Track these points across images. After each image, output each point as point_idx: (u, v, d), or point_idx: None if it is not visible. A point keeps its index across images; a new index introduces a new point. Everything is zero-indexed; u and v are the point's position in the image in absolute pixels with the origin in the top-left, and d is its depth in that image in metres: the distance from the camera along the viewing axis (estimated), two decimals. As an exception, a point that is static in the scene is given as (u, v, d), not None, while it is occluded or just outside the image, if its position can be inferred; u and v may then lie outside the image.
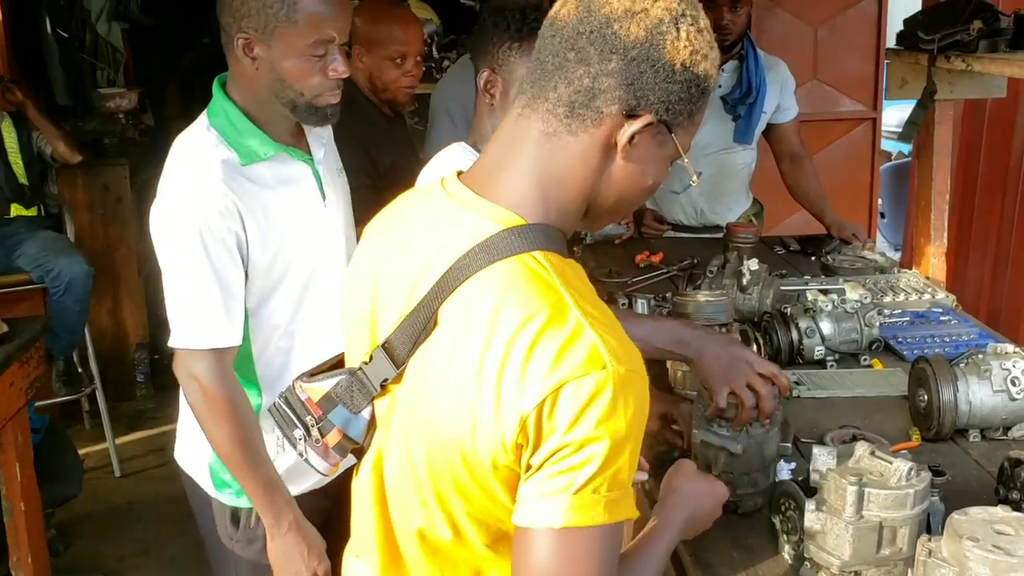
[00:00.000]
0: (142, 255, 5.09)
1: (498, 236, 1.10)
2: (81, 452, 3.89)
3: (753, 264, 2.49)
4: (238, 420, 1.79)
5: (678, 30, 1.09)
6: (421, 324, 1.13)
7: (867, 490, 1.39)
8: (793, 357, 2.25)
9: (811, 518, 1.43)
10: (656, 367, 1.66)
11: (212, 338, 1.78)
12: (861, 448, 1.47)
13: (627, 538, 1.27)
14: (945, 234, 3.21)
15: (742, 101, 3.37)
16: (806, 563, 1.47)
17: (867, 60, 5.20)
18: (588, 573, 1.06)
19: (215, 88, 1.87)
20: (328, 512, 1.98)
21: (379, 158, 2.70)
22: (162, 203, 1.80)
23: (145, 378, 4.94)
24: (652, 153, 1.14)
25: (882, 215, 5.91)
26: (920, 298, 2.68)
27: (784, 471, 1.74)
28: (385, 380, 1.20)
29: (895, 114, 6.10)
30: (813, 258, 3.13)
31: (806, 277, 2.75)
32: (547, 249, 1.11)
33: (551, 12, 1.15)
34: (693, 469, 1.43)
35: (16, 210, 4.19)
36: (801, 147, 3.53)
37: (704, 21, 1.13)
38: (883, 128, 5.52)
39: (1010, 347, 1.94)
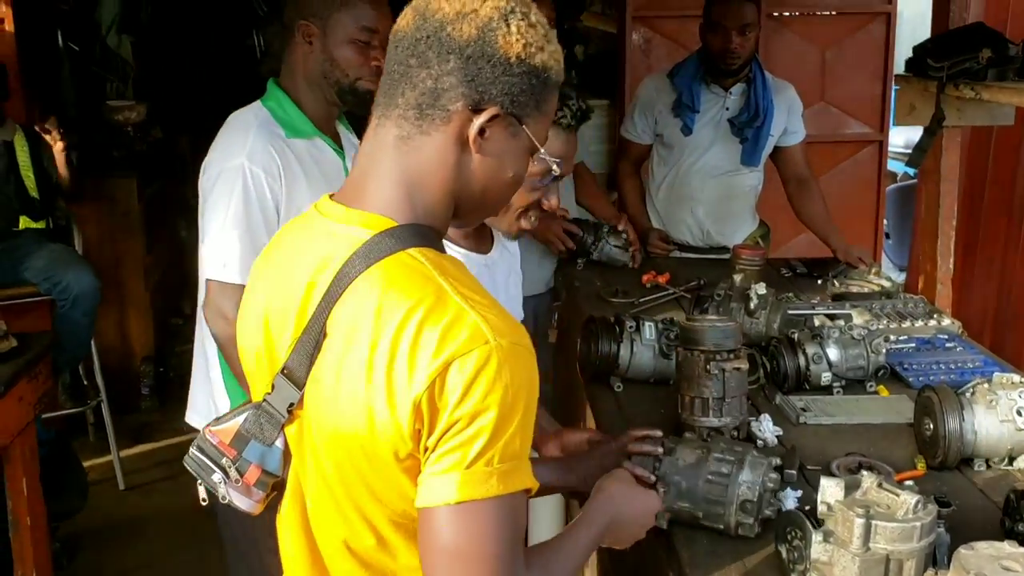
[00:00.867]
0: (149, 268, 5.12)
1: (372, 240, 1.15)
2: (85, 465, 3.90)
3: (761, 288, 2.49)
4: None
5: (508, 25, 1.16)
6: (313, 340, 1.17)
7: (874, 522, 1.39)
8: (800, 383, 2.25)
9: (818, 549, 1.43)
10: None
11: (243, 275, 1.92)
12: (868, 480, 1.47)
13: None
14: (951, 260, 3.22)
15: (749, 124, 3.40)
16: (812, 593, 1.47)
17: (874, 83, 5.22)
18: (489, 545, 1.08)
19: (269, 83, 2.17)
20: None
21: None
22: (215, 155, 2.06)
23: (150, 391, 4.95)
24: (506, 145, 1.20)
25: (887, 236, 5.91)
26: (926, 324, 2.68)
27: (790, 499, 1.74)
28: (291, 405, 1.23)
29: (900, 134, 6.12)
30: (819, 281, 3.14)
31: (813, 302, 2.76)
32: (422, 246, 1.16)
33: (393, 27, 1.22)
34: (627, 476, 1.49)
35: (24, 222, 4.19)
36: (808, 170, 3.54)
37: (536, 17, 1.20)
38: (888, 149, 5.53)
39: (1016, 377, 1.94)
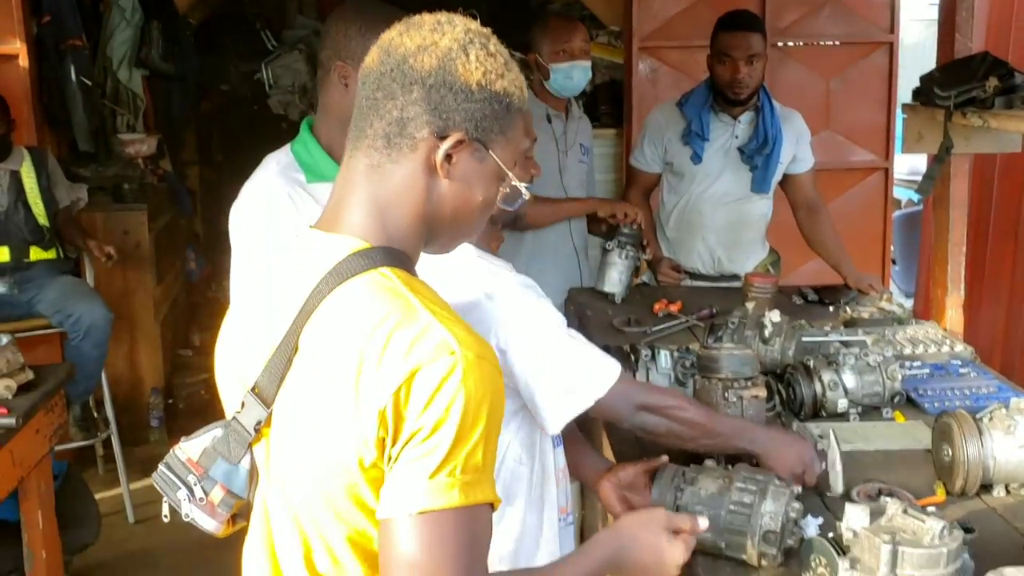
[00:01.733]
0: (159, 299, 5.13)
1: (345, 260, 1.19)
2: (95, 497, 3.88)
3: (775, 316, 2.50)
4: None
5: (467, 55, 1.21)
6: (284, 358, 1.20)
7: (901, 549, 1.40)
8: (816, 410, 2.26)
9: (844, 576, 1.43)
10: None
11: None
12: (894, 506, 1.48)
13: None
14: (962, 286, 3.23)
15: (759, 152, 3.42)
16: (839, 621, 1.47)
17: (879, 111, 5.25)
18: (449, 556, 1.09)
19: (303, 126, 2.15)
20: None
21: None
22: (240, 202, 2.07)
23: (159, 423, 4.93)
24: (473, 170, 1.24)
25: (894, 262, 5.93)
26: (939, 350, 2.69)
27: (812, 526, 1.74)
28: (258, 423, 1.24)
29: (904, 162, 6.14)
30: (831, 308, 3.15)
31: (826, 328, 2.77)
32: (393, 266, 1.19)
33: (361, 67, 1.26)
34: (656, 519, 1.37)
35: (36, 253, 4.21)
36: (817, 197, 3.57)
37: (496, 46, 1.24)
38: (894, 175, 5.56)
39: (1034, 402, 1.95)
